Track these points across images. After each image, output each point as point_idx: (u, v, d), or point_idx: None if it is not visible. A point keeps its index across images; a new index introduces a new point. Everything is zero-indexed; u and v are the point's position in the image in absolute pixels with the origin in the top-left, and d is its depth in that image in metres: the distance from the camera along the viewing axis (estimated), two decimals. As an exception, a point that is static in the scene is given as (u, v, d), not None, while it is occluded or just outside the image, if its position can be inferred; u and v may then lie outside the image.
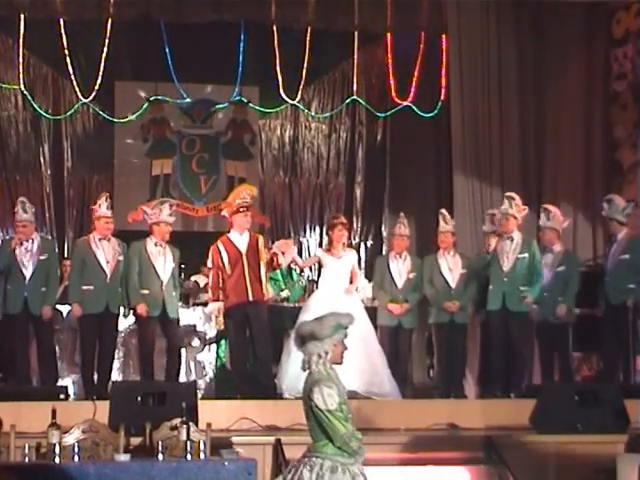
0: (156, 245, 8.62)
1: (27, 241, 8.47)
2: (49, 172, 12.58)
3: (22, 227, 8.51)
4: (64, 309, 9.32)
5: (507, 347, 8.70)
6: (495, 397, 8.49)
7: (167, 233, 8.66)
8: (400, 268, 9.22)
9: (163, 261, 8.62)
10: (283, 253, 8.65)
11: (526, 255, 8.66)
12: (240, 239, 8.47)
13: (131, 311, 8.75)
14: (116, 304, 8.51)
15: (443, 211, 9.35)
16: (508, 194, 8.95)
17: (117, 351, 9.58)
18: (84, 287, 8.46)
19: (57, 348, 9.42)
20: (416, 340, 9.90)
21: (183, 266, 9.38)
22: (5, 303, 8.45)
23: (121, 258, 8.55)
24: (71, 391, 8.76)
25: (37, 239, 8.58)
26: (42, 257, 8.47)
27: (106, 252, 8.51)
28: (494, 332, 8.75)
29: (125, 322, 9.41)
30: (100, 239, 8.52)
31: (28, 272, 8.43)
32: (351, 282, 8.81)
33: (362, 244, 13.43)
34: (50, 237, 11.70)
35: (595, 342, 9.27)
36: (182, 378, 9.49)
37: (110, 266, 8.49)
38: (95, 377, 8.50)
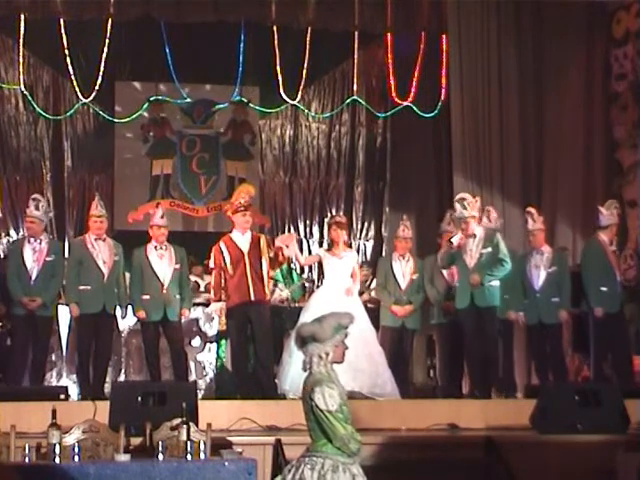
0: (156, 248, 8.65)
1: (35, 241, 8.49)
2: (49, 172, 12.58)
3: (30, 223, 8.54)
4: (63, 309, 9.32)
5: (480, 345, 8.65)
6: (475, 397, 8.49)
7: (162, 235, 8.68)
8: (403, 269, 9.21)
9: (164, 263, 8.65)
10: (287, 246, 8.65)
11: (489, 249, 8.59)
12: (242, 239, 8.47)
13: (132, 314, 8.81)
14: (112, 304, 8.52)
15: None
16: (458, 197, 8.75)
17: (119, 351, 9.64)
18: (81, 287, 8.46)
19: (63, 348, 9.51)
20: (417, 340, 9.89)
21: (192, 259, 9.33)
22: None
23: (117, 258, 8.58)
24: (72, 391, 8.76)
25: (45, 240, 8.59)
26: (49, 258, 8.49)
27: (102, 252, 8.52)
28: (465, 330, 8.72)
29: (126, 323, 9.44)
30: (96, 239, 8.53)
31: (34, 272, 8.44)
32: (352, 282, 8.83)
33: (362, 244, 13.43)
34: (52, 237, 11.71)
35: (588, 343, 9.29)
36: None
37: (107, 266, 8.50)
38: (91, 377, 8.52)
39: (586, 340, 9.27)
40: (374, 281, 10.15)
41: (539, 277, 9.00)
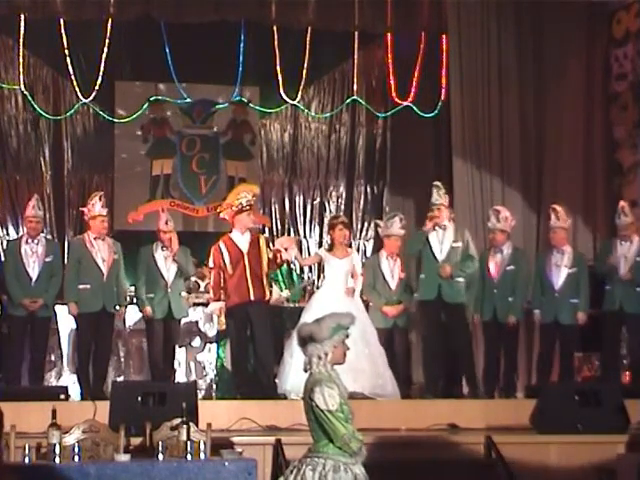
0: (163, 249, 8.73)
1: (33, 242, 8.54)
2: (49, 172, 12.57)
3: (35, 223, 8.59)
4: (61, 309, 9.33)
5: (444, 340, 8.68)
6: (459, 397, 8.50)
7: (167, 240, 8.74)
8: (392, 268, 9.17)
9: (169, 262, 8.72)
10: (286, 249, 8.65)
11: (460, 244, 8.65)
12: (242, 239, 8.48)
13: (139, 313, 8.88)
14: (112, 303, 8.55)
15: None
16: (435, 183, 8.87)
17: (118, 351, 9.65)
18: (80, 286, 8.48)
19: (63, 348, 9.53)
20: (415, 340, 9.89)
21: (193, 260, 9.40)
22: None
23: (116, 257, 8.62)
24: (72, 391, 8.76)
25: (42, 241, 8.66)
26: (47, 259, 8.55)
27: (102, 251, 8.55)
28: (427, 323, 8.73)
29: (127, 322, 9.45)
30: (95, 238, 8.56)
31: (34, 273, 8.48)
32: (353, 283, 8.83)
33: (362, 244, 13.42)
34: (51, 237, 11.71)
35: (597, 342, 9.30)
36: (182, 378, 9.53)
37: (106, 265, 8.53)
38: (91, 377, 8.53)
39: (589, 340, 9.30)
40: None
41: (559, 276, 9.00)
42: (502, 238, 9.04)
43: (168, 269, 8.74)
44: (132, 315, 9.34)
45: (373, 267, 9.26)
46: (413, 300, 9.15)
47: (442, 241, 8.63)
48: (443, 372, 8.79)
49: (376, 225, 9.35)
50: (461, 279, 8.67)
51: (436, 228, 8.67)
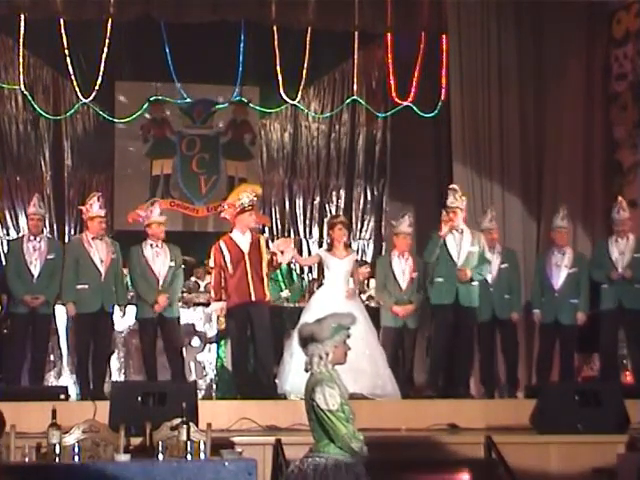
0: (152, 247, 8.67)
1: (35, 239, 8.58)
2: (49, 172, 12.58)
3: (37, 220, 8.65)
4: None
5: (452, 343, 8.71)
6: (459, 397, 8.51)
7: (161, 233, 8.71)
8: (403, 268, 9.14)
9: (160, 262, 8.67)
10: (282, 252, 8.64)
11: (476, 248, 8.67)
12: (242, 239, 8.47)
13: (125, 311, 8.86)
14: (110, 303, 8.55)
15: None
16: (452, 186, 8.90)
17: (117, 351, 9.64)
18: (79, 286, 8.49)
19: (62, 348, 9.53)
20: (417, 340, 9.89)
21: (187, 259, 9.39)
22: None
23: (114, 257, 8.62)
24: (72, 391, 8.75)
25: (45, 239, 8.71)
26: (50, 256, 8.58)
27: (100, 251, 8.56)
28: (442, 327, 8.76)
29: (126, 322, 9.45)
30: (93, 238, 8.56)
31: (36, 271, 8.51)
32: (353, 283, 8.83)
33: (362, 244, 13.42)
34: (51, 237, 11.71)
35: (595, 343, 9.31)
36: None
37: (104, 265, 8.53)
38: (90, 377, 8.52)
39: (587, 340, 9.30)
40: (372, 280, 10.13)
41: (559, 276, 9.04)
42: (497, 237, 9.17)
43: (161, 267, 8.70)
44: (131, 315, 9.32)
45: (384, 266, 9.21)
46: (423, 301, 9.15)
47: (459, 245, 8.62)
48: (450, 373, 8.79)
49: (391, 226, 9.36)
50: (476, 283, 8.65)
51: (453, 232, 8.66)
